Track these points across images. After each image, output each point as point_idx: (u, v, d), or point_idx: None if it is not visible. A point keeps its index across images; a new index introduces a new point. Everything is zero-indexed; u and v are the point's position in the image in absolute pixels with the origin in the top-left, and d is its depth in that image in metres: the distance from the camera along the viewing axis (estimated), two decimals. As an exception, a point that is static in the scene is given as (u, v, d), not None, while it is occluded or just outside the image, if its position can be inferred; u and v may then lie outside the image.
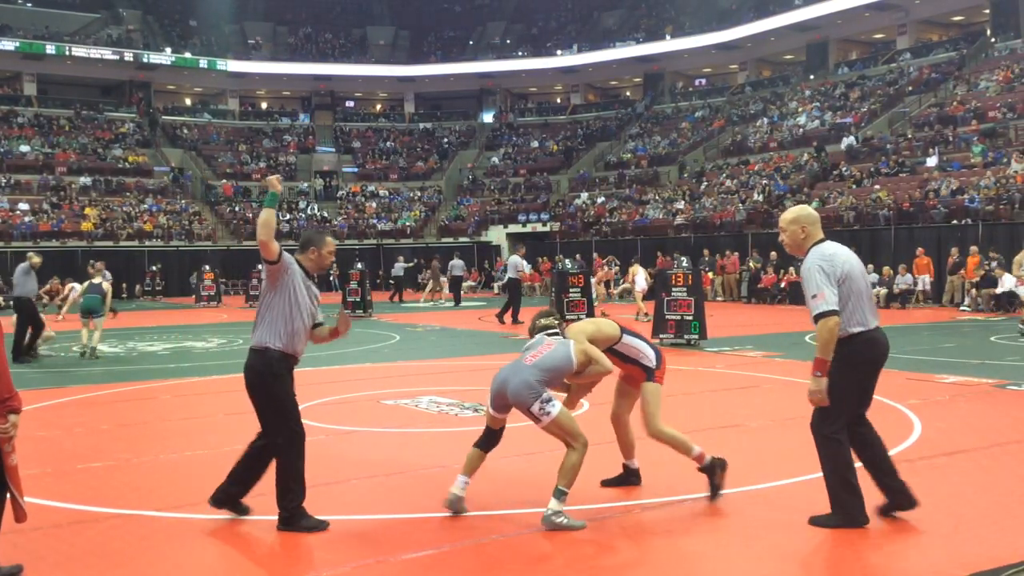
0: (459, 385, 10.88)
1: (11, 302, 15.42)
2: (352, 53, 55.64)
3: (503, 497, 5.77)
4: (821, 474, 5.13)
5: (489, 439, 5.58)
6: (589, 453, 5.32)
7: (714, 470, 5.73)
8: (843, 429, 5.05)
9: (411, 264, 33.04)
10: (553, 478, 5.28)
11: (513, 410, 5.47)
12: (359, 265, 25.96)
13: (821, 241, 5.12)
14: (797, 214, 5.23)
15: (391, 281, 33.33)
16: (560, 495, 5.16)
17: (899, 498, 5.15)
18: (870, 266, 24.66)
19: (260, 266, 21.58)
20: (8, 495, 4.41)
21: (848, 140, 34.05)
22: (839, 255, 5.04)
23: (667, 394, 10.11)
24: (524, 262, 23.88)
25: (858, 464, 5.14)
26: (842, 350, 4.93)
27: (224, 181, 45.38)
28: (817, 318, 4.88)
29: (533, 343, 5.65)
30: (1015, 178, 25.16)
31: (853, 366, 4.99)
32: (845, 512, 5.02)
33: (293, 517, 5.25)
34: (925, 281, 23.93)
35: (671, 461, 5.85)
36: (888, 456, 5.26)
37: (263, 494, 6.04)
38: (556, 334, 5.71)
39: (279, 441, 5.29)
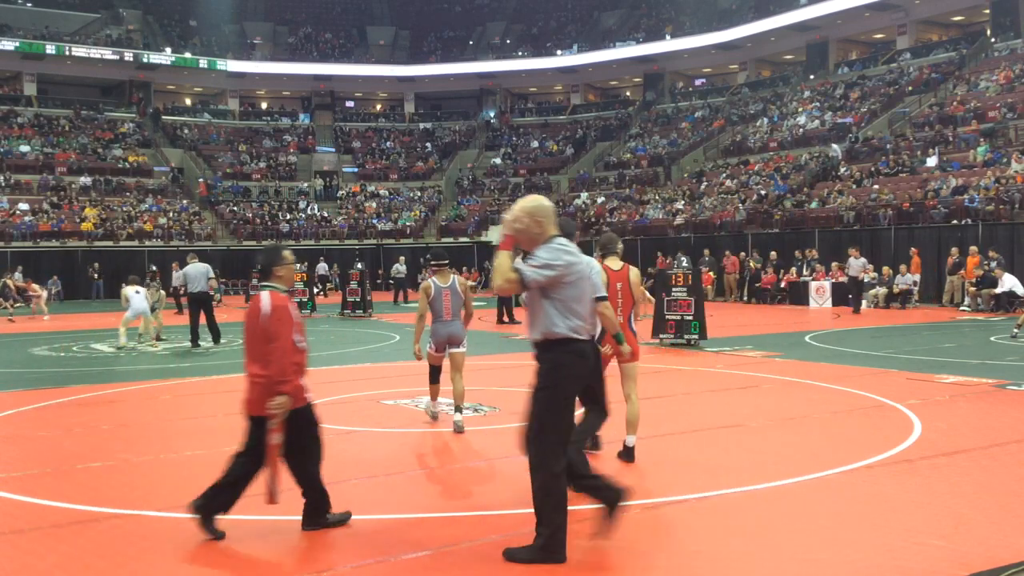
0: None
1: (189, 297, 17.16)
2: (352, 53, 55.65)
3: (503, 497, 5.76)
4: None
5: (438, 373, 8.21)
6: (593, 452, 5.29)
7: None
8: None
9: (402, 275, 31.93)
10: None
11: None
12: (359, 265, 25.91)
13: (555, 237, 4.72)
14: (534, 207, 4.72)
15: (391, 281, 33.23)
16: (461, 411, 7.88)
17: None
18: (870, 266, 24.67)
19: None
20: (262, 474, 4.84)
21: (835, 148, 33.90)
22: (577, 254, 4.74)
23: (668, 394, 10.22)
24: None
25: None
26: (555, 352, 4.64)
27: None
28: (526, 275, 4.57)
29: (437, 294, 8.00)
30: (1015, 178, 25.15)
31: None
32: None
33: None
34: (914, 279, 23.90)
35: (671, 461, 5.85)
36: None
37: (260, 495, 6.04)
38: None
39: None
